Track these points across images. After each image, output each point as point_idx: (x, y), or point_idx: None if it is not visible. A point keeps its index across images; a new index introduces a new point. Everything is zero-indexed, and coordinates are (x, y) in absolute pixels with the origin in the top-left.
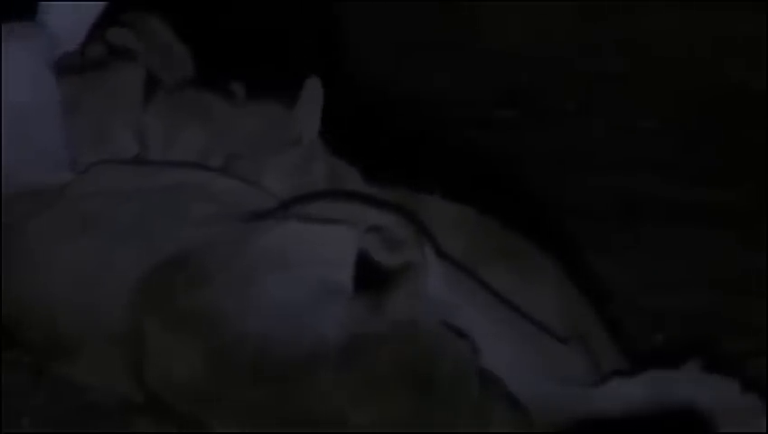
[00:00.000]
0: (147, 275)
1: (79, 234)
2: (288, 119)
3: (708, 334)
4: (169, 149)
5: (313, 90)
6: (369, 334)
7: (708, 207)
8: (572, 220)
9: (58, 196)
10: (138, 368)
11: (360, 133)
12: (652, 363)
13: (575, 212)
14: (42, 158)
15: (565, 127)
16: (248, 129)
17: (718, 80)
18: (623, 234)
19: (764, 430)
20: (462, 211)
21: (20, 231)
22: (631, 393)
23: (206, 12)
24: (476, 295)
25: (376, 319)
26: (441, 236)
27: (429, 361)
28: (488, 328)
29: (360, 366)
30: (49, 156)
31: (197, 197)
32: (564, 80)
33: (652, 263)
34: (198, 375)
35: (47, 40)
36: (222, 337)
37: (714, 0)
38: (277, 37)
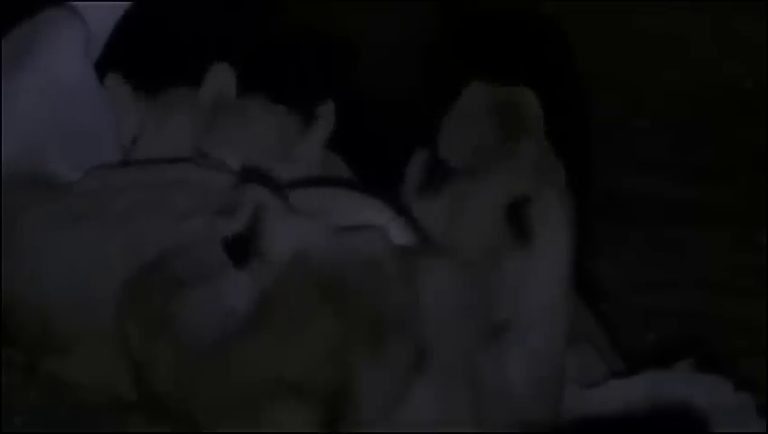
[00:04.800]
0: (131, 277)
1: (70, 229)
2: (292, 131)
3: (701, 334)
4: (156, 141)
5: (326, 116)
6: (265, 292)
7: (702, 206)
8: None
9: (59, 194)
10: (133, 369)
11: (356, 134)
12: (645, 362)
13: None
14: (85, 142)
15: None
16: (252, 132)
17: (712, 78)
18: (616, 233)
19: (758, 430)
20: None
21: (12, 223)
22: (624, 393)
23: (207, 14)
24: None
25: (262, 268)
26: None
27: (333, 278)
28: None
29: (273, 322)
30: (93, 140)
31: (182, 190)
32: (558, 79)
33: (645, 262)
34: (176, 379)
35: (86, 25)
36: (191, 341)
37: (710, 0)
38: (281, 40)
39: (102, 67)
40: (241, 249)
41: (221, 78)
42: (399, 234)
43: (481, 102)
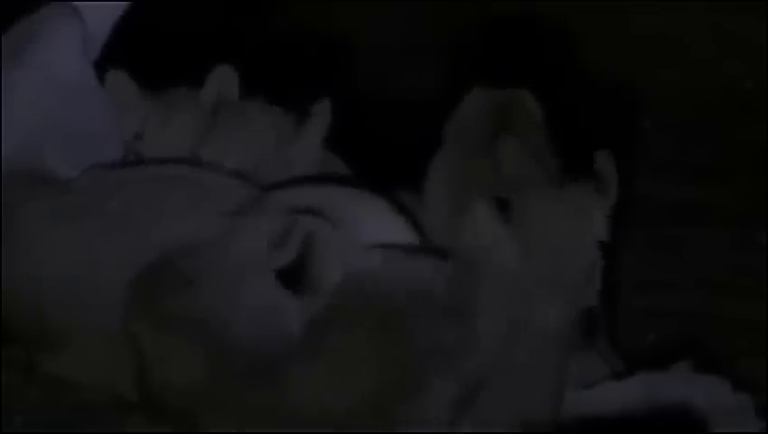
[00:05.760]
0: (135, 276)
1: (67, 226)
2: (290, 132)
3: (701, 334)
4: (160, 138)
5: (321, 114)
6: (318, 319)
7: (702, 206)
8: None
9: (56, 191)
10: (138, 370)
11: (355, 134)
12: (645, 362)
13: None
14: (85, 140)
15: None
16: (252, 133)
17: (712, 78)
18: (616, 233)
19: (756, 430)
20: None
21: (10, 219)
22: (623, 394)
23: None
24: None
25: (314, 301)
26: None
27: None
28: None
29: (323, 352)
30: (92, 138)
31: (180, 188)
32: (558, 79)
33: (645, 262)
34: (196, 378)
35: (84, 24)
36: (213, 339)
37: (710, 0)
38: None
39: (102, 66)
40: (292, 274)
41: (223, 79)
42: (400, 232)
43: (480, 106)
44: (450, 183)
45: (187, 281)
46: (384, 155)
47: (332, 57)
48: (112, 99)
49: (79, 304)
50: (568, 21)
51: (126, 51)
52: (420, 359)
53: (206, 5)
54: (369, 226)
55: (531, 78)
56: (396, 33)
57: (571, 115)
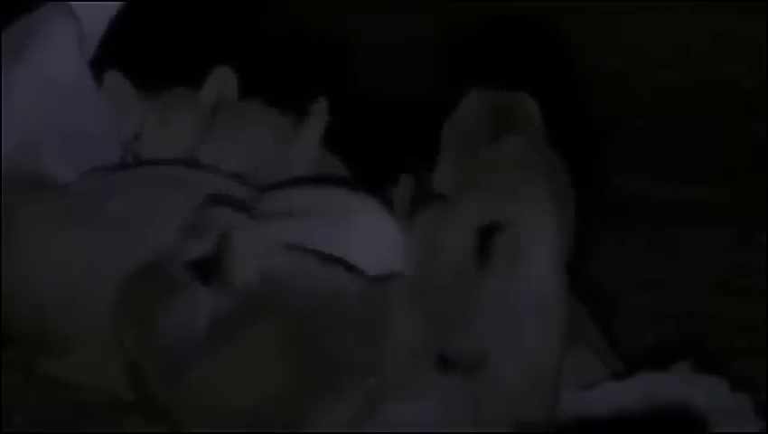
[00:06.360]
0: (127, 281)
1: (66, 229)
2: (288, 132)
3: (701, 334)
4: (159, 138)
5: (318, 113)
6: (225, 316)
7: (700, 206)
8: None
9: (55, 194)
10: (129, 369)
11: (356, 135)
12: (645, 362)
13: None
14: (83, 142)
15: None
16: (251, 134)
17: (712, 78)
18: (615, 233)
19: (755, 430)
20: None
21: (9, 222)
22: (622, 395)
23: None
24: None
25: (223, 296)
26: None
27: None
28: None
29: (227, 349)
30: (90, 140)
31: (177, 190)
32: (557, 79)
33: (645, 262)
34: (161, 383)
35: (80, 24)
36: (168, 347)
37: (709, 0)
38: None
39: (99, 67)
40: (209, 267)
41: (222, 80)
42: (394, 234)
43: (478, 108)
44: (448, 185)
45: (172, 289)
46: (382, 155)
47: (331, 57)
48: (110, 100)
49: (78, 307)
50: (566, 21)
51: (124, 52)
52: (327, 367)
53: (204, 5)
54: (362, 226)
55: (529, 78)
56: (394, 33)
57: (569, 115)
